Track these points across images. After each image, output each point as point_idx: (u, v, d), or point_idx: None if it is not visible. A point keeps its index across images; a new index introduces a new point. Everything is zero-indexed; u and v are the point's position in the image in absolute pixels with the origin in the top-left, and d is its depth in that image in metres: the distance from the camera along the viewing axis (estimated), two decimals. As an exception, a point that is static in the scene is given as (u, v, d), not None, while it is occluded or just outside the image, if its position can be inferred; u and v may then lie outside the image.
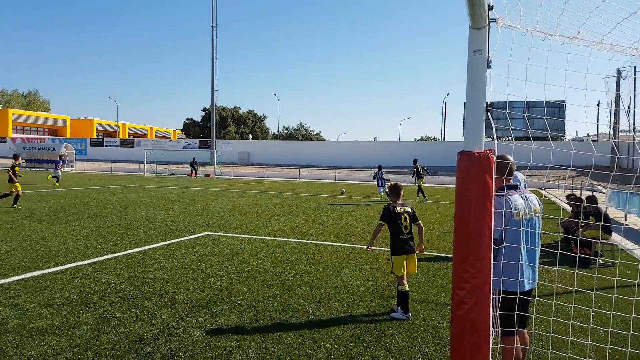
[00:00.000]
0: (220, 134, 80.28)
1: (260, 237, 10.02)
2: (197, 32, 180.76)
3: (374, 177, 21.46)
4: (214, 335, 4.56)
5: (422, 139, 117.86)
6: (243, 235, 10.20)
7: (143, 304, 5.40)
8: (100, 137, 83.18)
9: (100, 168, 50.26)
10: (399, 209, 5.51)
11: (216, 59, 56.45)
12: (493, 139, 3.18)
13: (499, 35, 3.00)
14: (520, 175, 7.96)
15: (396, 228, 5.41)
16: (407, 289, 5.29)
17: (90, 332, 4.52)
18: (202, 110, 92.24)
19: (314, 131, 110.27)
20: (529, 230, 3.49)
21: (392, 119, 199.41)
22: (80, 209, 14.24)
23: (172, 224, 11.56)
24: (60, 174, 26.54)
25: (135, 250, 8.37)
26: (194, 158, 39.33)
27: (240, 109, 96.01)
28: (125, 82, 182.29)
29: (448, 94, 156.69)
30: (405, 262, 5.35)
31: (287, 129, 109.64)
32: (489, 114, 3.05)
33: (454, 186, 3.10)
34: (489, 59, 2.99)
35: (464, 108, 3.62)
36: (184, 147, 65.66)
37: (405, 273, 5.34)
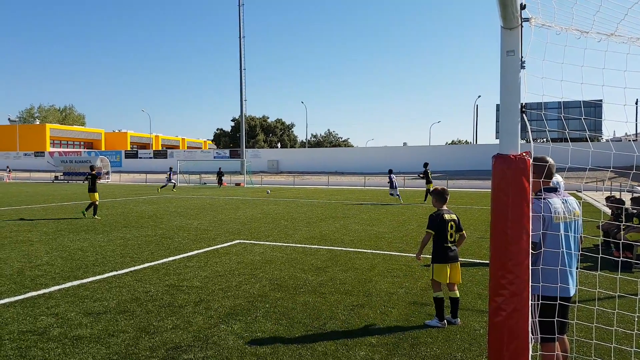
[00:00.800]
0: (249, 143, 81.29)
1: (291, 245, 10.05)
2: (226, 43, 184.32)
3: (390, 181, 22.60)
4: (248, 342, 4.59)
5: (453, 142, 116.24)
6: (274, 243, 10.26)
7: (179, 312, 5.49)
8: (134, 149, 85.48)
9: (135, 179, 51.61)
10: (446, 216, 5.36)
11: (244, 69, 57.37)
12: (528, 140, 3.10)
13: (532, 34, 2.94)
14: (557, 177, 7.74)
15: (442, 236, 5.26)
16: (457, 294, 5.23)
17: (128, 340, 4.62)
18: (232, 120, 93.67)
19: (342, 138, 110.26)
20: (569, 234, 3.39)
21: (422, 123, 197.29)
22: (116, 219, 14.64)
23: (206, 233, 11.74)
24: (175, 182, 26.75)
25: (171, 258, 8.54)
26: (220, 168, 39.98)
27: (268, 118, 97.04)
28: (157, 95, 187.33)
29: (479, 96, 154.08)
30: (448, 270, 5.21)
31: (315, 136, 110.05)
32: (523, 115, 2.98)
33: (489, 190, 3.04)
34: (523, 60, 2.93)
35: (497, 110, 3.56)
36: (214, 157, 66.77)
37: (449, 281, 5.22)
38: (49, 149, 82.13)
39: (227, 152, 69.12)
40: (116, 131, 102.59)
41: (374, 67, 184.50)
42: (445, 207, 5.51)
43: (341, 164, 59.52)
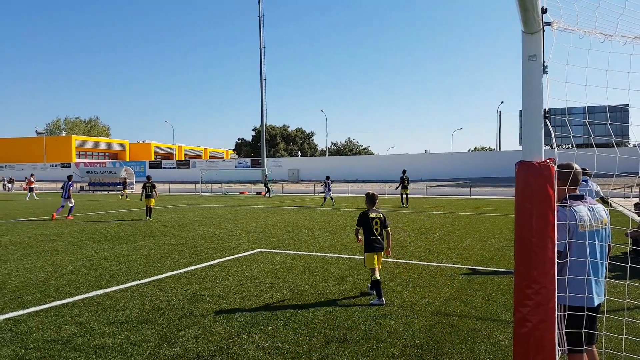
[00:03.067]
0: (270, 152, 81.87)
1: (312, 254, 10.03)
2: (246, 54, 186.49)
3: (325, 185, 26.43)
4: (269, 352, 4.57)
5: (476, 149, 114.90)
6: (295, 252, 10.25)
7: (200, 321, 5.51)
8: (158, 159, 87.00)
9: (159, 189, 52.27)
10: (371, 215, 6.56)
11: (265, 79, 58.01)
12: (552, 147, 3.03)
13: (554, 39, 2.88)
14: (593, 185, 7.55)
15: (368, 230, 6.48)
16: (378, 278, 6.31)
17: (150, 349, 4.65)
18: (253, 130, 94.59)
19: (362, 146, 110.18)
20: (596, 242, 3.29)
21: (444, 130, 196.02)
22: (140, 228, 14.86)
23: (227, 242, 11.81)
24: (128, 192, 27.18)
25: (193, 267, 8.60)
26: (266, 176, 40.29)
27: (288, 127, 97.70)
28: (179, 105, 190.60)
29: (502, 102, 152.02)
30: (375, 258, 6.38)
31: (335, 144, 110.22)
32: (547, 121, 2.92)
33: (512, 197, 2.98)
34: (545, 64, 2.87)
35: (520, 116, 3.49)
36: (236, 167, 67.45)
37: (376, 266, 6.35)
38: (75, 160, 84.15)
39: (248, 161, 69.75)
40: (140, 142, 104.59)
41: (394, 74, 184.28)
42: (374, 208, 6.65)
43: (362, 172, 59.37)
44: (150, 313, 5.82)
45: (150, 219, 17.90)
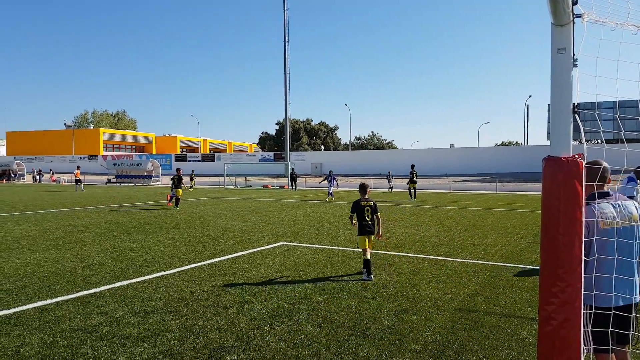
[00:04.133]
0: (293, 146, 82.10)
1: (334, 248, 10.04)
2: (271, 48, 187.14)
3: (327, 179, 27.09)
4: (290, 344, 4.60)
5: (502, 144, 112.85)
6: (317, 246, 10.28)
7: (224, 313, 5.58)
8: (183, 152, 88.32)
9: (185, 182, 53.12)
10: (363, 203, 7.47)
11: (289, 73, 58.08)
12: (581, 142, 2.95)
13: (584, 31, 2.79)
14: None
15: (361, 216, 7.43)
16: (369, 258, 7.23)
17: (174, 339, 4.74)
18: (276, 124, 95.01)
19: (386, 140, 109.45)
20: (626, 240, 3.19)
21: (470, 124, 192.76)
22: (165, 220, 15.12)
23: (250, 235, 11.93)
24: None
25: (217, 259, 8.72)
26: (292, 168, 40.63)
27: (312, 120, 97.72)
28: (204, 99, 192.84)
29: (530, 96, 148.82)
30: (366, 240, 7.32)
31: (358, 138, 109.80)
32: (576, 115, 2.84)
33: (539, 194, 2.92)
34: (575, 58, 2.78)
35: (549, 110, 3.41)
36: (259, 160, 67.97)
37: (367, 247, 7.27)
38: (102, 152, 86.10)
39: (271, 155, 70.17)
40: (166, 135, 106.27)
41: (419, 68, 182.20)
42: (365, 197, 7.57)
43: (385, 166, 58.91)
44: (175, 304, 5.92)
45: (177, 209, 19.15)
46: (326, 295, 6.30)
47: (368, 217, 7.41)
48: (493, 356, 4.37)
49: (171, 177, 20.55)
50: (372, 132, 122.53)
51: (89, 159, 77.69)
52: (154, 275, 7.48)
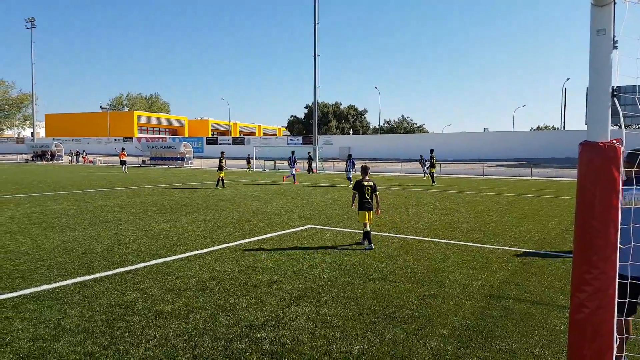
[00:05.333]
0: (321, 129, 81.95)
1: (361, 231, 10.04)
2: (300, 31, 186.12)
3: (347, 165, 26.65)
4: (318, 324, 4.68)
5: (539, 128, 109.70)
6: (345, 229, 10.33)
7: (254, 292, 5.71)
8: (214, 135, 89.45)
9: (215, 164, 53.94)
10: (364, 183, 8.55)
11: (318, 55, 57.53)
12: (620, 127, 2.86)
13: (626, 11, 2.69)
14: None
15: (361, 194, 8.49)
16: (369, 230, 8.36)
17: (206, 316, 4.89)
18: (305, 107, 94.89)
19: (416, 124, 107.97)
20: None
21: (505, 108, 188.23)
22: (197, 202, 15.45)
23: (279, 217, 12.07)
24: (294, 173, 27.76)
25: (247, 240, 8.88)
26: (309, 153, 40.83)
27: (341, 104, 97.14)
28: (235, 83, 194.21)
29: (568, 79, 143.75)
30: (366, 214, 8.40)
31: (388, 122, 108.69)
32: (615, 99, 2.75)
33: (575, 180, 2.86)
34: (615, 39, 2.68)
35: (587, 94, 3.31)
36: (288, 144, 68.18)
37: (367, 221, 8.37)
38: (137, 135, 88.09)
39: (300, 138, 70.31)
40: (198, 119, 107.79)
41: (452, 49, 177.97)
42: (366, 177, 8.65)
43: (415, 151, 58.14)
44: (207, 282, 6.09)
45: (219, 189, 20.89)
46: (353, 278, 6.35)
47: (368, 195, 8.47)
48: (522, 343, 4.34)
49: (219, 159, 22.20)
50: (402, 115, 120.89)
51: (124, 141, 79.58)
52: (187, 254, 7.70)
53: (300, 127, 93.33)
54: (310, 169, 39.65)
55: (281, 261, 7.27)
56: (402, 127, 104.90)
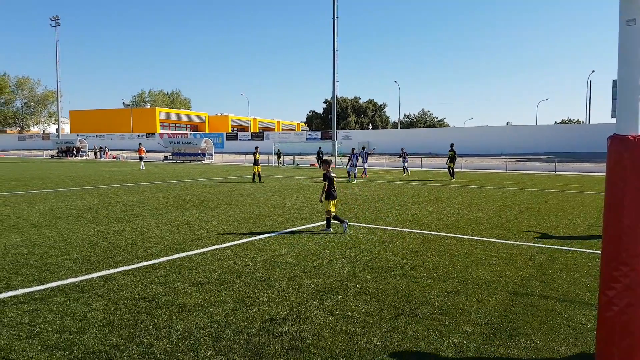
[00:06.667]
0: (340, 124, 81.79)
1: (382, 227, 10.01)
2: (319, 25, 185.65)
3: (356, 157, 24.89)
4: (339, 320, 4.68)
5: (563, 121, 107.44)
6: (364, 225, 10.29)
7: (274, 286, 5.74)
8: (234, 131, 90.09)
9: (235, 160, 54.45)
10: (332, 174, 9.61)
11: (337, 50, 57.37)
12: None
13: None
14: None
15: (331, 185, 9.49)
16: (333, 214, 9.36)
17: (228, 310, 4.93)
18: (324, 102, 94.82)
19: (437, 117, 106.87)
20: None
21: (528, 101, 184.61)
22: (219, 197, 15.60)
23: (298, 212, 12.10)
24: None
25: (266, 235, 8.93)
26: (320, 148, 40.78)
27: (360, 98, 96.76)
28: (254, 79, 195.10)
29: (593, 71, 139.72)
30: (332, 203, 9.36)
31: (408, 116, 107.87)
32: (647, 91, 2.66)
33: (602, 174, 2.78)
34: (648, 28, 2.59)
35: (614, 86, 3.21)
36: (307, 139, 68.21)
37: (333, 209, 9.36)
38: (159, 130, 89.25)
39: (318, 133, 70.20)
40: (218, 114, 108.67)
41: (473, 41, 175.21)
42: (330, 169, 9.68)
43: (436, 145, 57.60)
44: (228, 276, 6.15)
45: (255, 182, 21.67)
46: (374, 274, 6.33)
47: (334, 185, 9.56)
48: (548, 341, 4.26)
49: (253, 154, 22.88)
50: (423, 109, 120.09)
51: (147, 137, 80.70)
52: (209, 248, 7.77)
53: (319, 122, 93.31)
54: (320, 164, 39.58)
55: (301, 256, 7.28)
56: (422, 121, 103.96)
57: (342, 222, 9.31)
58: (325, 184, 9.43)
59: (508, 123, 71.36)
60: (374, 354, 3.96)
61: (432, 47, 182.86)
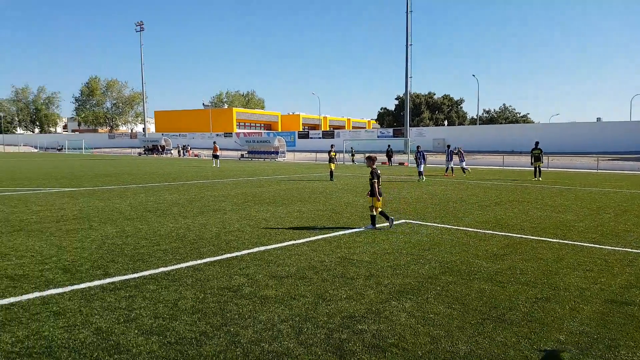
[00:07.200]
0: (413, 121, 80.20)
1: (462, 228, 9.64)
2: (391, 19, 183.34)
3: (415, 157, 24.07)
4: (421, 322, 4.55)
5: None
6: (442, 225, 9.98)
7: (351, 283, 5.72)
8: (305, 130, 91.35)
9: (307, 158, 55.23)
10: (379, 171, 9.61)
11: (410, 45, 56.23)
12: None
13: None
14: None
15: (379, 182, 9.47)
16: (379, 210, 9.46)
17: (307, 304, 4.98)
18: (396, 99, 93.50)
19: (519, 113, 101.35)
20: None
21: (620, 95, 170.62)
22: (292, 194, 15.88)
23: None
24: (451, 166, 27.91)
25: (341, 232, 8.94)
26: (389, 146, 40.19)
27: (434, 94, 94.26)
28: (325, 77, 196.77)
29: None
30: (380, 202, 9.47)
31: (487, 112, 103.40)
32: None
33: None
34: None
35: None
36: (378, 137, 67.59)
37: (380, 206, 9.46)
38: (236, 130, 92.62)
39: (390, 130, 69.30)
40: (290, 113, 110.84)
41: (557, 32, 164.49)
42: (375, 165, 9.70)
43: (518, 143, 54.57)
44: (306, 271, 6.22)
45: (332, 181, 21.44)
46: (455, 277, 6.10)
47: (380, 184, 9.57)
48: (655, 356, 3.87)
49: (328, 152, 23.43)
50: (504, 104, 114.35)
51: (225, 136, 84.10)
52: (286, 243, 7.92)
53: (391, 119, 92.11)
54: (390, 162, 38.98)
55: (377, 255, 7.20)
56: (503, 117, 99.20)
57: (387, 218, 9.43)
58: (375, 181, 9.34)
59: (598, 119, 66.09)
60: (459, 359, 3.81)
61: (512, 41, 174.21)
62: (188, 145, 70.98)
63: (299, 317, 4.62)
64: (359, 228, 9.43)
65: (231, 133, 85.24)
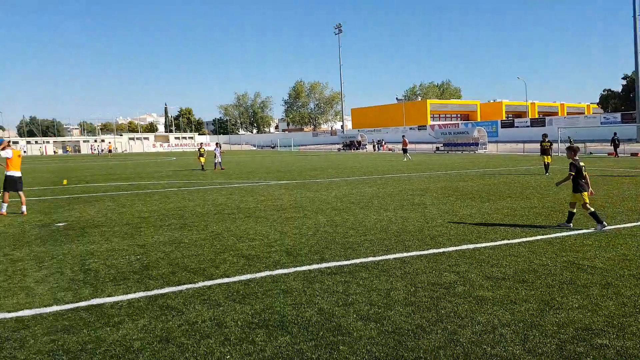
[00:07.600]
0: (647, 104, 66.99)
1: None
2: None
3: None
4: (686, 347, 3.69)
5: None
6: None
7: (584, 292, 4.99)
8: (509, 118, 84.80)
9: (512, 149, 51.10)
10: (581, 163, 8.53)
11: (639, 15, 46.98)
12: None
13: None
14: None
15: (580, 175, 8.42)
16: (593, 209, 8.22)
17: (532, 310, 4.51)
18: (623, 79, 79.65)
19: None
20: None
21: None
22: (499, 188, 14.81)
23: (602, 209, 10.33)
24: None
25: (565, 233, 7.93)
26: (615, 134, 34.26)
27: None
28: (531, 60, 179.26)
29: None
30: (584, 197, 8.29)
31: None
32: None
33: None
34: None
35: None
36: (602, 123, 58.42)
37: (588, 202, 8.26)
38: (429, 122, 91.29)
39: (617, 116, 59.20)
40: (491, 101, 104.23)
41: None
42: (576, 157, 8.62)
43: None
44: (526, 274, 5.66)
45: (547, 174, 19.22)
46: None
47: (585, 177, 8.48)
48: None
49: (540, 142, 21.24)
50: None
51: (418, 129, 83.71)
52: (498, 242, 7.37)
53: (617, 103, 79.00)
54: (616, 153, 33.06)
55: (614, 261, 6.15)
56: None
57: (599, 222, 8.12)
58: (571, 174, 8.51)
59: None
60: None
61: None
62: (382, 140, 72.75)
63: (523, 323, 4.21)
64: (586, 229, 8.23)
65: (425, 126, 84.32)
